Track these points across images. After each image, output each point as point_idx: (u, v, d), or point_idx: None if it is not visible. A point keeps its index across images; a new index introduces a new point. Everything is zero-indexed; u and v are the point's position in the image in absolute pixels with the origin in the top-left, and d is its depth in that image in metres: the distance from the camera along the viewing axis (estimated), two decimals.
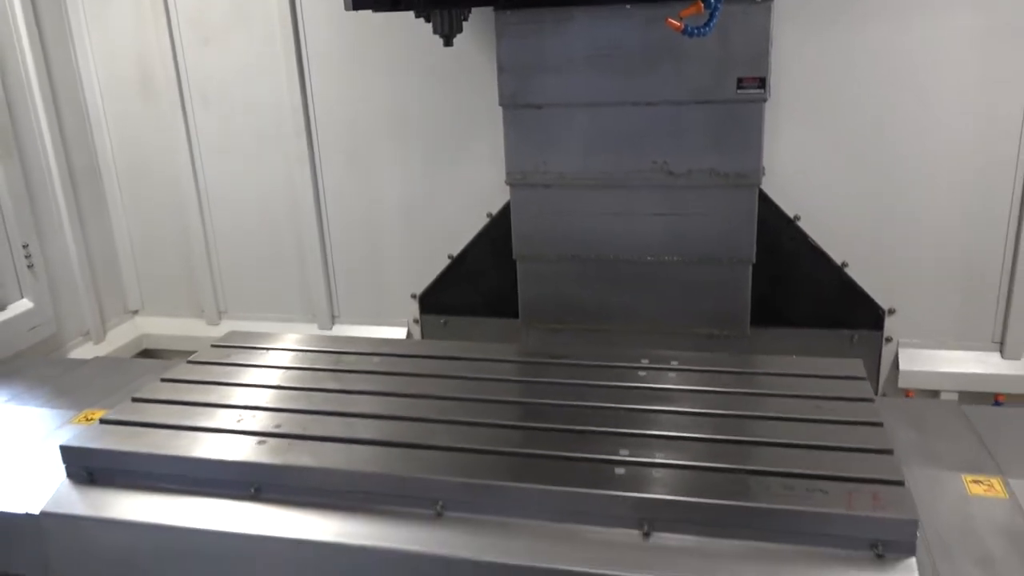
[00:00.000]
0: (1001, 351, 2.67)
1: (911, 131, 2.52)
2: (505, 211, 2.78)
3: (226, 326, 3.19)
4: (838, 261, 2.69)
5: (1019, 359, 2.65)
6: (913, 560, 1.41)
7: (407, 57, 2.81)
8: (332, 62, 2.90)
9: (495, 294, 2.92)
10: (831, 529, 1.44)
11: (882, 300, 2.70)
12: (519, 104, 2.54)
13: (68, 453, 1.77)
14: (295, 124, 2.95)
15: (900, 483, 1.50)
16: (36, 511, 1.72)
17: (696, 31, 1.99)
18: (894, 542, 1.42)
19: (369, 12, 2.27)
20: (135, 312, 3.38)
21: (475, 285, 2.99)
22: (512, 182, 2.64)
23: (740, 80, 2.38)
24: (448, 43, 2.18)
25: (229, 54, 2.98)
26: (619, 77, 2.46)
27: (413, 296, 3.06)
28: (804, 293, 2.74)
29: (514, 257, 2.72)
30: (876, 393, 2.56)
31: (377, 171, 2.99)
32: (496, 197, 2.82)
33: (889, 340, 2.76)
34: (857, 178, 2.61)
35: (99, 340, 3.14)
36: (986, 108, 2.45)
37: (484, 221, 2.90)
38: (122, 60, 3.08)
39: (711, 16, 1.98)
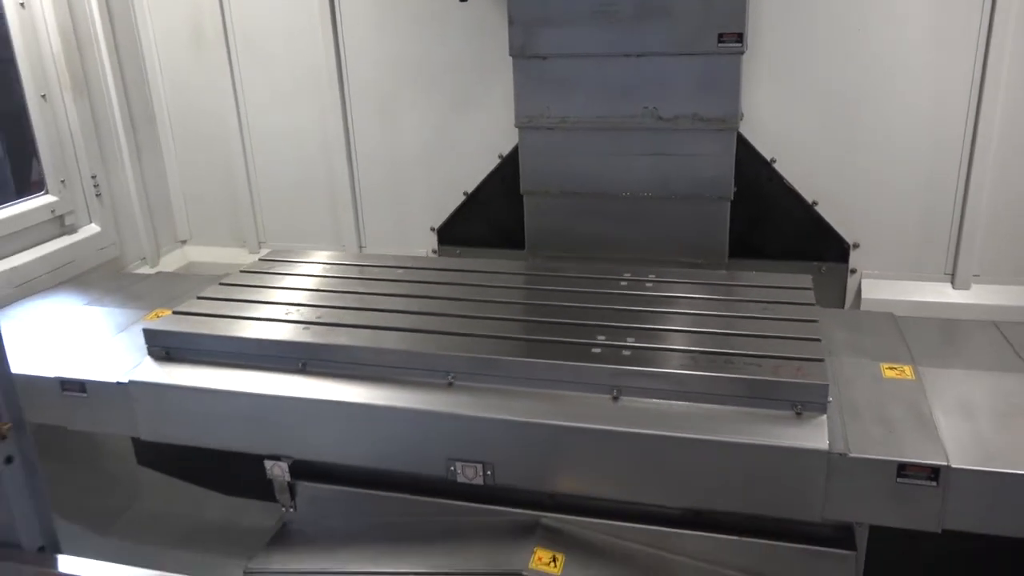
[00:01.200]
0: (952, 282, 3.00)
1: (874, 81, 2.83)
2: (514, 152, 3.13)
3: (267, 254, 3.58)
4: (809, 200, 3.02)
5: (968, 289, 2.99)
6: (824, 417, 1.78)
7: (428, 14, 3.15)
8: (362, 18, 3.24)
9: (504, 227, 3.28)
10: (761, 393, 1.81)
11: (848, 235, 3.03)
12: (527, 55, 2.88)
13: (150, 335, 2.17)
14: (329, 74, 3.31)
15: (820, 360, 1.87)
16: (125, 380, 2.13)
17: None
18: (810, 403, 1.79)
19: None
20: (183, 242, 3.78)
21: (487, 219, 3.35)
22: (520, 125, 2.98)
23: (720, 35, 2.70)
24: None
25: (272, 9, 3.33)
26: (616, 31, 2.78)
27: (432, 229, 3.43)
28: (778, 229, 3.08)
29: (521, 192, 3.08)
30: None
31: (401, 117, 3.34)
32: (506, 140, 3.17)
33: (854, 272, 3.10)
34: (827, 124, 2.93)
35: (154, 265, 3.54)
36: (937, 62, 2.76)
37: (496, 162, 3.26)
38: (175, 13, 3.44)
39: None
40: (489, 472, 1.92)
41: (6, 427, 1.55)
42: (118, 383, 2.13)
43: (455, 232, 3.42)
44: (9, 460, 1.57)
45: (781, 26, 2.85)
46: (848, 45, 2.82)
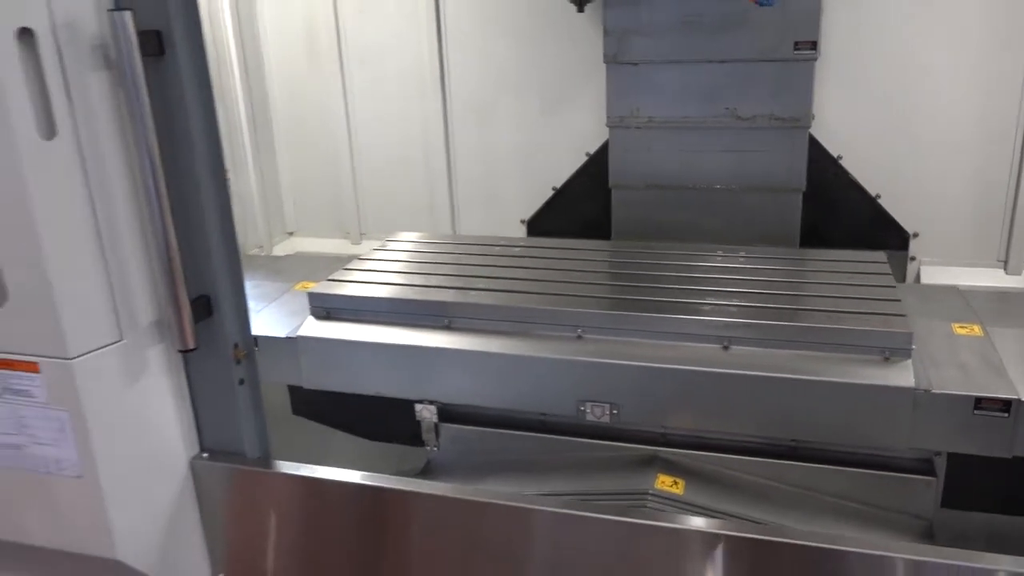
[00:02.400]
0: (1005, 267, 3.29)
1: (931, 84, 3.15)
2: (600, 151, 3.47)
3: (366, 245, 3.94)
4: (872, 193, 3.33)
5: (1020, 274, 3.28)
6: (909, 361, 2.08)
7: (526, 25, 3.51)
8: (465, 29, 3.61)
9: (589, 220, 3.61)
10: (854, 340, 2.12)
11: (908, 225, 3.33)
12: (619, 61, 3.22)
13: (314, 297, 2.51)
14: (432, 79, 3.68)
15: (903, 316, 2.17)
16: (294, 336, 2.47)
17: (766, 2, 2.65)
18: (897, 349, 2.09)
19: None
20: (291, 233, 4.16)
21: (573, 212, 3.69)
22: (611, 124, 3.32)
23: (796, 43, 3.03)
24: (580, 9, 2.88)
25: (381, 22, 3.70)
26: (700, 40, 3.12)
27: (522, 221, 3.77)
28: (844, 220, 3.39)
29: (609, 186, 3.41)
30: None
31: (496, 118, 3.70)
32: (592, 139, 3.51)
33: (913, 259, 3.39)
34: (889, 124, 3.24)
35: (268, 252, 3.92)
36: (989, 65, 3.07)
37: (583, 159, 3.60)
38: (293, 29, 3.83)
39: None
40: (615, 412, 2.23)
41: (242, 354, 1.90)
42: (287, 337, 2.47)
43: (543, 224, 3.75)
44: (241, 382, 1.92)
45: (848, 35, 3.17)
46: (907, 51, 3.14)
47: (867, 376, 2.07)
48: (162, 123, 1.64)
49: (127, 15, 1.54)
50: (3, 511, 1.84)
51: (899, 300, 2.27)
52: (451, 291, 2.48)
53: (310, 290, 2.53)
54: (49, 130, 1.54)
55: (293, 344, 2.46)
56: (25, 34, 1.49)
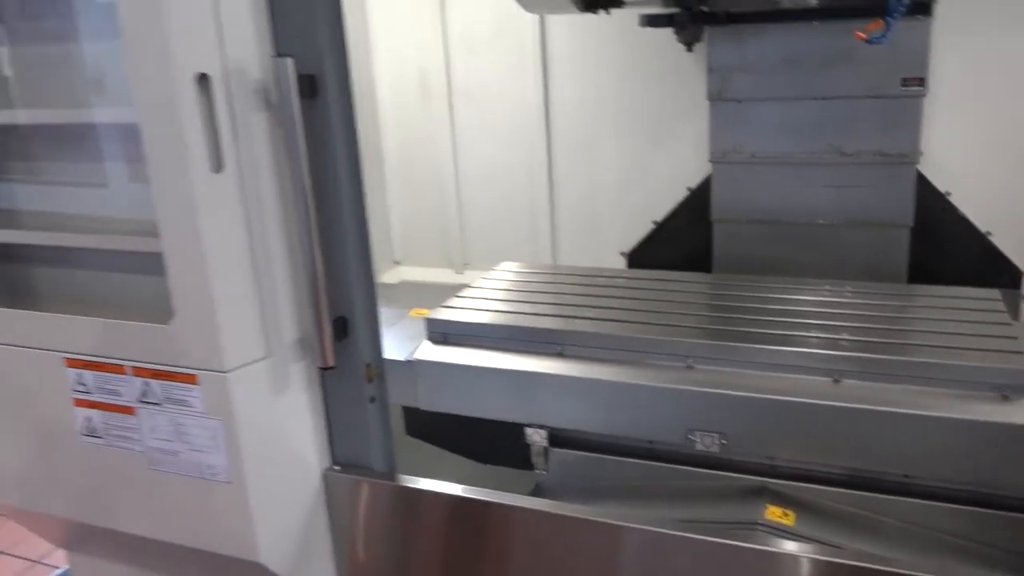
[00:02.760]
0: None
1: None
2: (702, 185, 3.52)
3: (469, 274, 4.09)
4: (983, 230, 3.28)
5: None
6: None
7: (629, 62, 3.62)
8: (570, 66, 3.74)
9: (690, 253, 3.66)
10: (970, 377, 2.11)
11: (1021, 263, 3.27)
12: (723, 98, 3.28)
13: (431, 323, 2.64)
14: (537, 116, 3.82)
15: (1021, 353, 2.15)
16: (412, 359, 2.60)
17: (876, 40, 2.67)
18: (1016, 387, 2.07)
19: (604, 26, 3.09)
20: (397, 262, 4.34)
21: (674, 245, 3.74)
22: (714, 160, 3.38)
23: (904, 79, 3.04)
24: (689, 49, 2.97)
25: (489, 61, 3.87)
26: (804, 77, 3.16)
27: (622, 253, 3.84)
28: (953, 256, 3.34)
29: (712, 220, 3.46)
30: None
31: (598, 152, 3.80)
32: (694, 174, 3.57)
33: None
34: (1000, 160, 3.21)
35: (377, 280, 4.08)
36: None
37: (684, 193, 3.66)
38: (406, 70, 4.03)
39: (888, 28, 2.66)
40: (724, 441, 2.27)
41: (374, 372, 2.03)
42: (406, 360, 2.60)
43: (643, 256, 3.82)
44: (372, 400, 2.04)
45: (959, 69, 3.16)
46: (1018, 87, 3.10)
47: (985, 413, 2.05)
48: (312, 158, 1.80)
49: (289, 61, 1.70)
50: (159, 512, 2.00)
51: (1016, 337, 2.24)
52: (562, 319, 2.56)
53: (427, 316, 2.66)
54: (217, 164, 1.71)
55: (410, 367, 2.59)
56: (202, 79, 1.66)
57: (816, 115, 3.19)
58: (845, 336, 2.32)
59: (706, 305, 2.70)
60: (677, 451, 2.37)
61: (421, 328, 2.71)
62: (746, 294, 2.76)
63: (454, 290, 3.21)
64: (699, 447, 2.29)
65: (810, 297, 2.65)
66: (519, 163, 3.94)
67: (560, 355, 2.48)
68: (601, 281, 2.92)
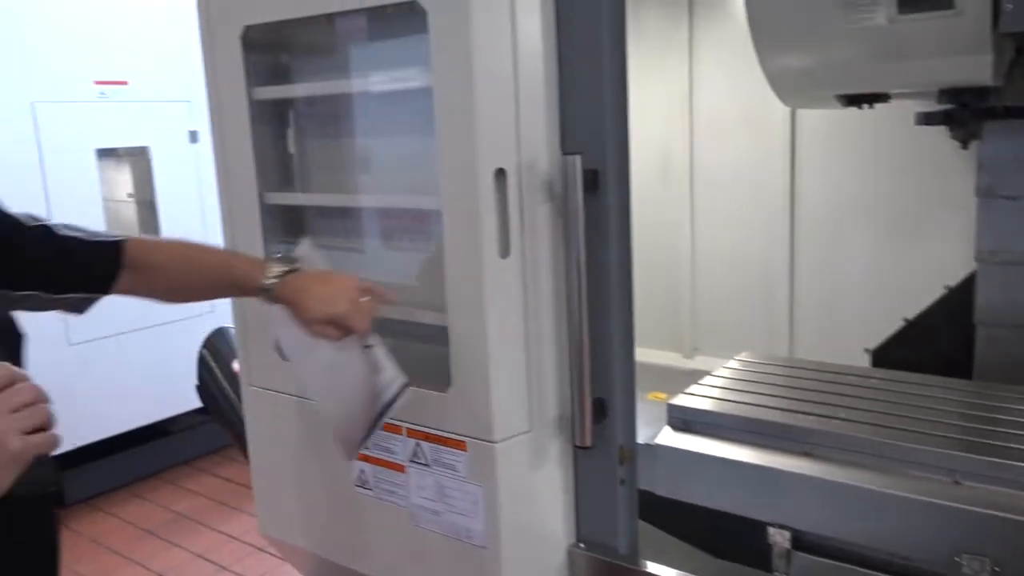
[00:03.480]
0: None
1: None
2: (963, 285, 3.30)
3: (699, 360, 4.06)
4: None
5: None
6: None
7: (884, 152, 3.50)
8: (819, 156, 3.68)
9: (946, 356, 3.41)
10: None
11: None
12: (994, 195, 3.09)
13: (673, 408, 2.65)
14: (781, 205, 3.77)
15: None
16: (651, 443, 2.62)
17: None
18: None
19: (858, 116, 3.01)
20: None
21: (927, 346, 3.51)
22: (980, 259, 3.17)
23: None
24: (964, 147, 2.84)
25: (734, 147, 3.90)
26: None
27: (866, 350, 3.65)
28: None
29: (974, 322, 3.22)
30: None
31: (844, 244, 3.68)
32: (953, 272, 3.35)
33: None
34: None
35: None
36: None
37: (940, 291, 3.44)
38: (648, 148, 4.14)
39: None
40: (997, 569, 2.08)
41: (627, 455, 2.07)
42: (645, 444, 2.62)
43: (891, 355, 3.61)
44: (622, 482, 2.08)
45: None
46: None
47: None
48: (588, 246, 1.90)
49: (577, 159, 1.83)
50: (415, 566, 2.13)
51: None
52: (811, 417, 2.48)
53: (669, 402, 2.67)
54: (505, 250, 1.86)
55: (650, 451, 2.60)
56: (499, 173, 1.83)
57: None
58: None
59: (971, 415, 2.50)
60: (939, 572, 2.19)
61: (658, 412, 2.73)
62: (1017, 407, 2.54)
63: (683, 374, 3.21)
64: (966, 571, 2.11)
65: None
66: (759, 251, 3.89)
67: (808, 454, 2.40)
68: (852, 380, 2.80)
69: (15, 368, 1.33)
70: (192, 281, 1.82)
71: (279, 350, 2.07)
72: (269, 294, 1.72)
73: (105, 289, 1.78)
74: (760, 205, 3.87)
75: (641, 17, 4.17)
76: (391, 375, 1.74)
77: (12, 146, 4.71)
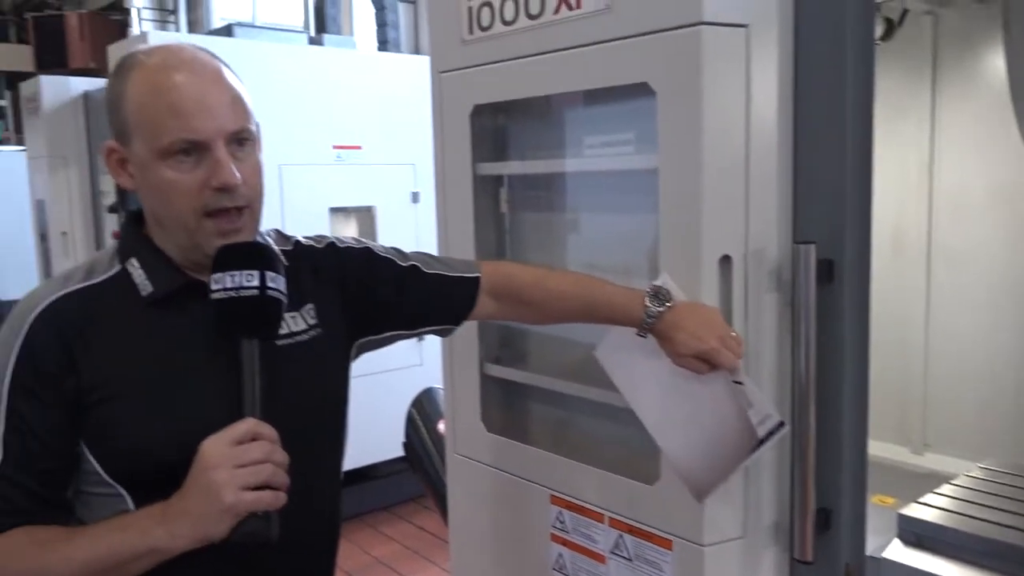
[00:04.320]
0: None
1: None
2: None
3: (929, 457, 3.65)
4: None
5: None
6: None
7: None
8: None
9: None
10: None
11: None
12: None
13: (904, 520, 2.38)
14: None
15: None
16: (877, 556, 2.35)
17: None
18: None
19: None
20: None
21: None
22: None
23: None
24: None
25: (977, 226, 3.53)
26: None
27: None
28: None
29: None
30: None
31: None
32: None
33: None
34: None
35: None
36: None
37: None
38: (879, 223, 3.83)
39: None
40: None
41: (854, 572, 1.86)
42: (872, 557, 2.36)
43: None
44: None
45: None
46: None
47: None
48: (818, 340, 1.75)
49: (811, 248, 1.69)
50: None
51: None
52: None
53: (900, 511, 2.40)
54: None
55: (876, 566, 2.34)
56: (724, 260, 1.73)
57: None
58: None
59: None
60: None
61: (884, 519, 2.45)
62: None
63: (911, 475, 2.88)
64: None
65: None
66: (1005, 337, 3.46)
67: None
68: None
69: (264, 426, 1.38)
70: (554, 313, 1.82)
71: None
72: (645, 328, 1.67)
73: (457, 324, 1.81)
74: (1010, 289, 3.45)
75: (877, 77, 3.90)
76: (765, 411, 1.64)
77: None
